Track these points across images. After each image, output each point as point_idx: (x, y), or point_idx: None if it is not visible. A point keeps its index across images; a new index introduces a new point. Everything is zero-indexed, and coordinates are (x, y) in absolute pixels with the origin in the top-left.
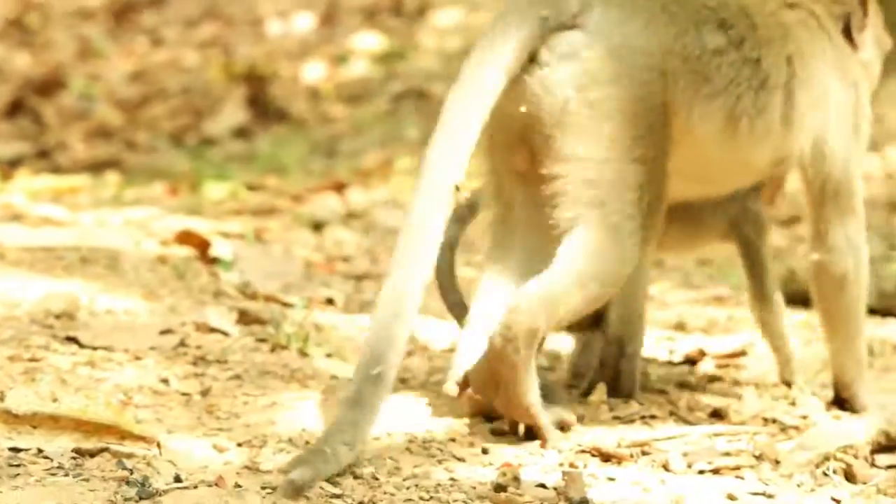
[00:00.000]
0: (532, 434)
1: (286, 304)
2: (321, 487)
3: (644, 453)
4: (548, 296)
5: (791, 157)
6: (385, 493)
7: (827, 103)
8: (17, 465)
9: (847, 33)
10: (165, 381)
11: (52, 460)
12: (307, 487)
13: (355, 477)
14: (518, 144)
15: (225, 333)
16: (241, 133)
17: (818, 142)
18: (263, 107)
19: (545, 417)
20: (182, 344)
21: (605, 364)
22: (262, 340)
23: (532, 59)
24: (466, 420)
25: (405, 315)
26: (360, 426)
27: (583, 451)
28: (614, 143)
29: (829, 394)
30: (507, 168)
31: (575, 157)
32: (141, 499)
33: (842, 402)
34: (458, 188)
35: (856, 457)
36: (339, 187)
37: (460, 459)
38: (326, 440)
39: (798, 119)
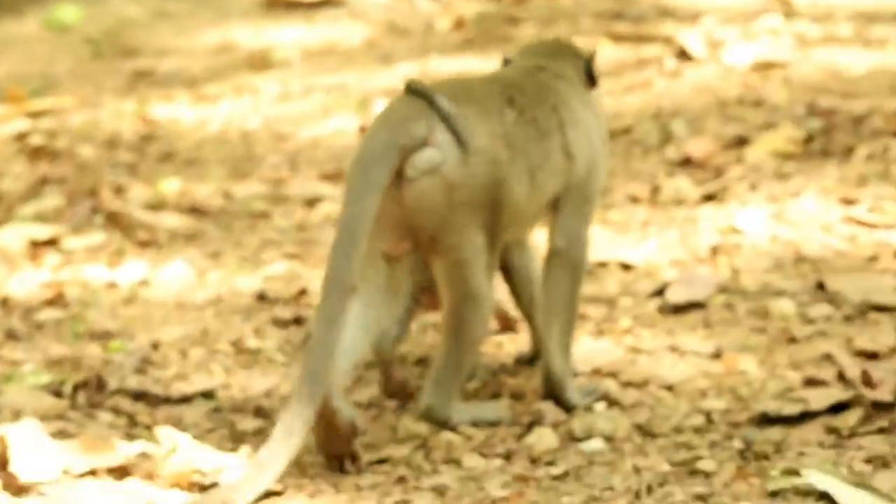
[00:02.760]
0: None
1: None
2: None
3: None
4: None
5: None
6: None
7: (589, 131)
8: None
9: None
10: None
11: None
12: None
13: None
14: (400, 238)
15: None
16: None
17: (589, 162)
18: None
19: None
20: None
21: None
22: None
23: (399, 174)
24: None
25: (319, 388)
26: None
27: None
28: (472, 223)
29: None
30: (383, 250)
31: (450, 246)
32: None
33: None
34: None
35: None
36: None
37: None
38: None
39: (576, 150)
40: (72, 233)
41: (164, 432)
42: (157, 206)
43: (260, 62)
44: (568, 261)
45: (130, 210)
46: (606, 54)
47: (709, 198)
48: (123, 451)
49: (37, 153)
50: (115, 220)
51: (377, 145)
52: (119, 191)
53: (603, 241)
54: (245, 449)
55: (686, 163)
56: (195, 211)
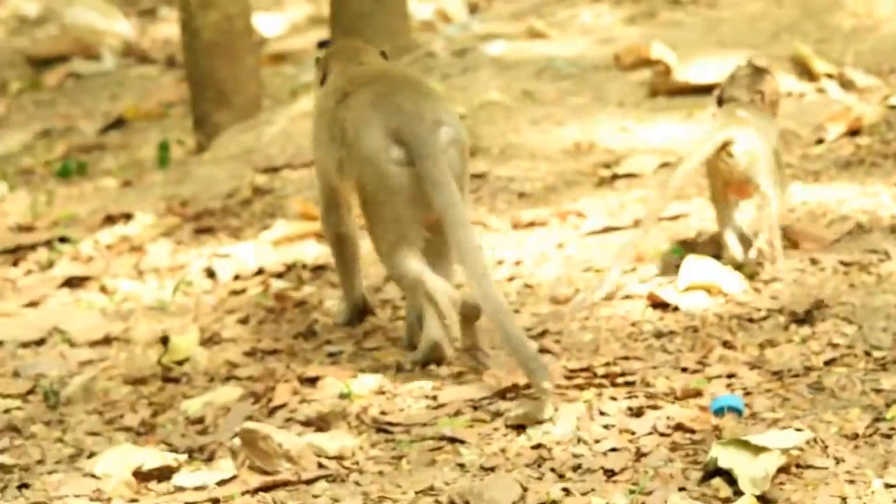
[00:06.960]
0: None
1: None
2: None
3: None
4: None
5: None
6: None
7: None
8: None
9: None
10: None
11: None
12: None
13: None
14: (430, 206)
15: None
16: None
17: None
18: None
19: None
20: None
21: None
22: None
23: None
24: None
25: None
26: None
27: None
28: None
29: None
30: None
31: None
32: None
33: None
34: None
35: None
36: None
37: None
38: None
39: None
40: (193, 461)
41: None
42: (333, 416)
43: None
44: None
45: (270, 432)
46: None
47: None
48: None
49: (278, 300)
50: (250, 444)
51: (428, 136)
52: (308, 382)
53: None
54: None
55: None
56: (380, 429)
